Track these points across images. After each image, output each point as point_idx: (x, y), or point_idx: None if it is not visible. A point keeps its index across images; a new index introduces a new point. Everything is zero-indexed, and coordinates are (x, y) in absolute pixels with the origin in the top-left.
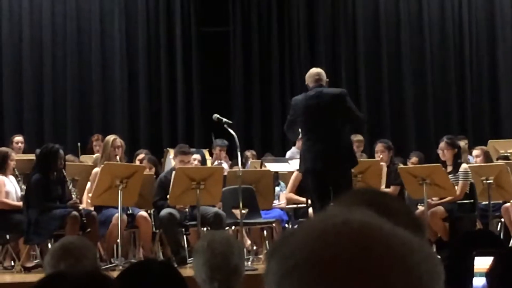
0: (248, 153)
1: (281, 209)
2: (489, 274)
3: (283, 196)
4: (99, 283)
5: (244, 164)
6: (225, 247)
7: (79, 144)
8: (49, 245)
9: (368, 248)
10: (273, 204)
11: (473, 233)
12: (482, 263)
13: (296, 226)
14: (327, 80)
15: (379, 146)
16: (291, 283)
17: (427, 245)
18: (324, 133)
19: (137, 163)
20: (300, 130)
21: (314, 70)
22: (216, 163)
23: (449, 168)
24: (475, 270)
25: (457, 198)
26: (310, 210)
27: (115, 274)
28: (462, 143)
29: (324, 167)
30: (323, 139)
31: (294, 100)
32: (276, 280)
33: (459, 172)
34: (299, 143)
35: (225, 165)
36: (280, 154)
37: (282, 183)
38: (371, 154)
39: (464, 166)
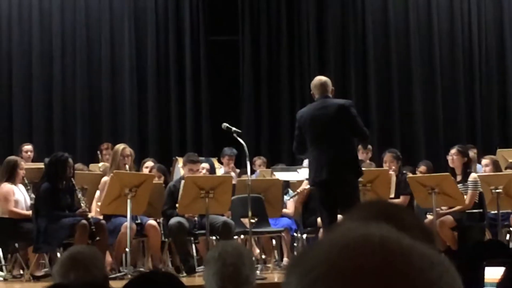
0: (259, 160)
1: (289, 217)
2: (500, 285)
3: (291, 204)
4: None
5: (253, 171)
6: (236, 257)
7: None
8: (58, 254)
9: (390, 262)
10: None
11: (483, 243)
12: (493, 273)
13: (316, 241)
14: (333, 88)
15: (387, 157)
16: None
17: (446, 258)
18: (328, 144)
19: (144, 171)
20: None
21: (318, 79)
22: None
23: (458, 177)
24: (485, 280)
25: (466, 207)
26: (319, 219)
27: (123, 283)
28: (471, 153)
29: (329, 178)
30: (327, 150)
31: (298, 113)
32: None
33: (468, 181)
34: None
35: (232, 175)
36: (288, 163)
37: (290, 191)
38: (380, 164)
39: (473, 175)
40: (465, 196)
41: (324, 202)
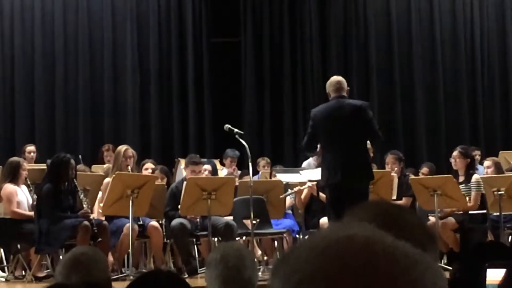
0: (263, 161)
1: (292, 211)
2: (501, 287)
3: (289, 200)
4: None
5: (257, 172)
6: (238, 259)
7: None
8: (60, 255)
9: (373, 261)
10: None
11: (485, 244)
12: (494, 275)
13: (298, 243)
14: (348, 88)
15: (390, 158)
16: None
17: (428, 256)
18: (343, 145)
19: (143, 172)
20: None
21: (335, 79)
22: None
23: (461, 178)
24: (487, 282)
25: (471, 208)
26: (321, 220)
27: (125, 284)
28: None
29: (344, 180)
30: (341, 152)
31: (313, 112)
32: None
33: (471, 183)
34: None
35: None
36: (291, 165)
37: (289, 190)
38: (382, 165)
39: (476, 176)
40: (467, 198)
41: (334, 204)
